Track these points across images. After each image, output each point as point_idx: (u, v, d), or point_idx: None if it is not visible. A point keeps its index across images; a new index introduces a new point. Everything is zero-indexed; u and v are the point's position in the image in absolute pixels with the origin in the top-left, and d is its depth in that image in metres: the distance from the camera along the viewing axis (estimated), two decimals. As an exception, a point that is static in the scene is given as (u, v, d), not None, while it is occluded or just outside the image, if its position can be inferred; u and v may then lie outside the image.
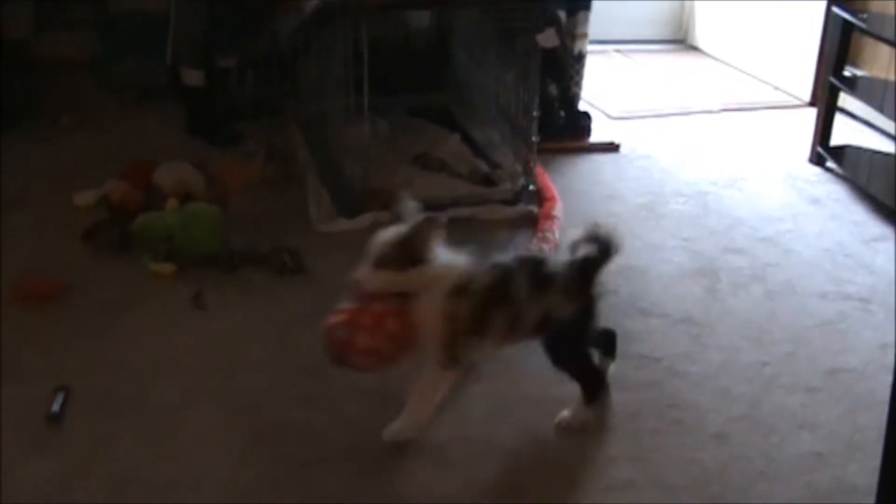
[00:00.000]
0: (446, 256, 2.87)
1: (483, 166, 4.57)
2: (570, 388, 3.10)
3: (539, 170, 4.45)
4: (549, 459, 2.97)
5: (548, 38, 4.67)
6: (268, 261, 3.79)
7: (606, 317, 3.08)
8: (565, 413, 3.07)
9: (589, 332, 3.04)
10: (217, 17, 4.80)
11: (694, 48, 7.16)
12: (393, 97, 4.76)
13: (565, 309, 2.92)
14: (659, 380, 3.35)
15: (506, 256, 2.97)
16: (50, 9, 5.77)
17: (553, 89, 5.16)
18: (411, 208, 2.93)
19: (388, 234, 2.88)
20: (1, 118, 4.93)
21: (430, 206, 4.11)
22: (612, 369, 3.22)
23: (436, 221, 2.84)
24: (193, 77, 4.86)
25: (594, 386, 3.09)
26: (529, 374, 3.29)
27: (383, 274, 2.82)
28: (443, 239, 2.89)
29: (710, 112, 5.86)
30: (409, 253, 2.82)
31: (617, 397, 3.19)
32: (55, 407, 3.05)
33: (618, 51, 6.91)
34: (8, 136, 4.89)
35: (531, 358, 3.24)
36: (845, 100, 5.36)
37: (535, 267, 2.94)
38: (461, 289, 2.82)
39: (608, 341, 3.23)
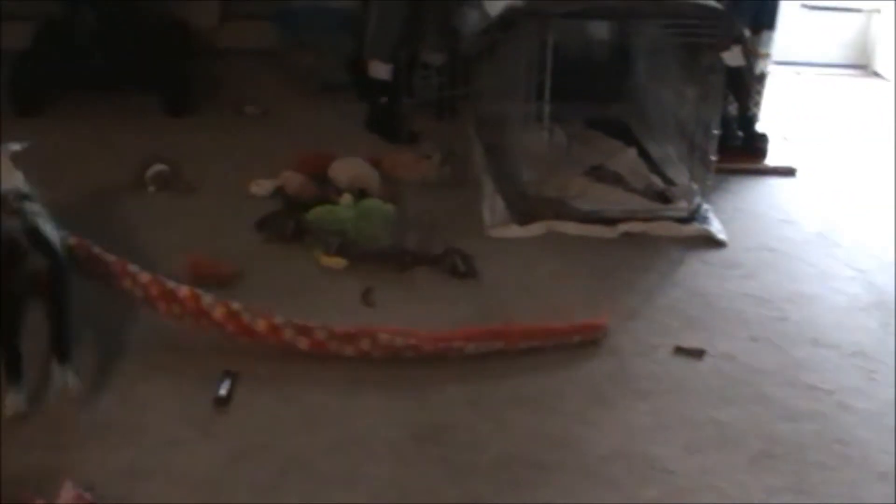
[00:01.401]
0: None
1: (658, 182, 4.51)
2: (736, 412, 3.04)
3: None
4: (710, 484, 2.90)
5: (733, 57, 4.59)
6: (440, 262, 3.79)
7: (778, 344, 3.02)
8: None
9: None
10: (415, 13, 4.83)
11: (876, 74, 6.99)
12: (570, 106, 4.72)
13: None
14: (827, 412, 3.25)
15: None
16: (234, 1, 5.88)
17: (732, 108, 5.07)
18: None
19: None
20: (187, 103, 5.04)
21: (604, 218, 4.15)
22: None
23: None
24: (382, 71, 4.89)
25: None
26: (693, 394, 3.25)
27: None
28: None
29: (890, 140, 5.71)
30: None
31: (784, 426, 3.12)
32: (222, 390, 3.09)
33: (798, 73, 6.77)
34: (191, 121, 5.00)
35: (695, 377, 3.20)
36: None
37: None
38: None
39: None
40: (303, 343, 3.23)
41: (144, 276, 3.27)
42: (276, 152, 4.63)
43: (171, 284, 3.26)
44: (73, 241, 3.24)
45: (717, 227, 4.28)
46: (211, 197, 4.32)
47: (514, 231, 4.11)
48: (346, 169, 4.28)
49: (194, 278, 3.59)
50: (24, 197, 3.07)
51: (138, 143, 4.74)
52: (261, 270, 3.77)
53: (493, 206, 4.18)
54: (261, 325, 3.21)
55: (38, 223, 2.95)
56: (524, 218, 4.13)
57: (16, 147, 3.30)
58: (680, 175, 4.55)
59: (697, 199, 4.33)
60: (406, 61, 4.67)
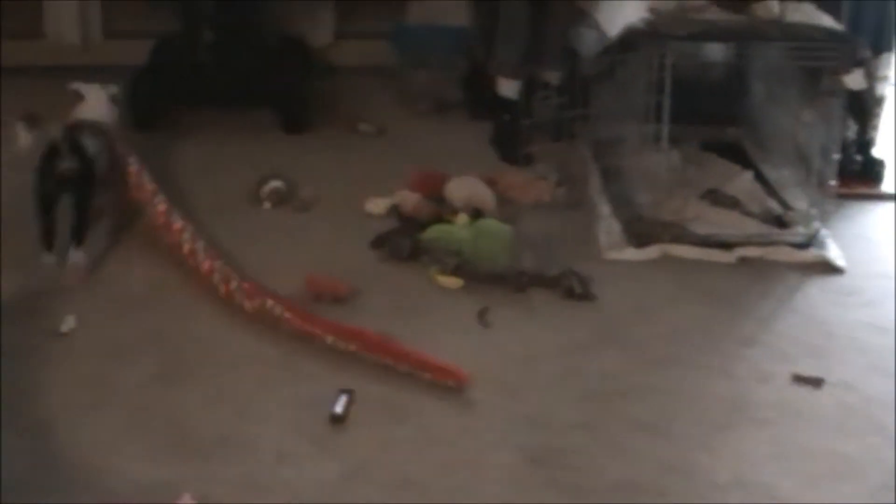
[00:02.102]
0: None
1: (775, 207, 4.46)
2: (856, 443, 3.00)
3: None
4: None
5: (855, 80, 4.51)
6: (556, 283, 3.77)
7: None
8: None
9: None
10: (542, 29, 4.84)
11: None
12: (685, 128, 4.68)
13: None
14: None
15: None
16: (349, 17, 5.92)
17: (851, 132, 4.99)
18: None
19: None
20: (303, 121, 5.08)
21: (720, 242, 4.11)
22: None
23: None
24: (510, 88, 4.89)
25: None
26: (812, 423, 3.20)
27: None
28: None
29: None
30: None
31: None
32: (338, 408, 3.11)
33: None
34: (306, 138, 5.05)
35: (813, 406, 3.16)
36: None
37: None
38: None
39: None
40: (221, 288, 3.66)
41: (161, 206, 3.93)
42: (391, 170, 4.65)
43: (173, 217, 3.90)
44: (132, 167, 4.01)
45: (835, 253, 4.21)
46: (326, 214, 4.35)
47: (630, 254, 4.08)
48: (462, 188, 4.28)
49: (311, 296, 3.64)
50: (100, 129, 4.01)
51: (254, 159, 4.79)
52: (377, 289, 3.79)
53: (608, 229, 4.16)
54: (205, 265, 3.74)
55: (82, 139, 3.81)
56: (640, 241, 4.10)
57: (114, 89, 4.34)
58: (797, 200, 4.48)
59: (815, 225, 4.27)
60: (528, 81, 4.66)
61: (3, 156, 4.44)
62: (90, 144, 3.85)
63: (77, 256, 3.81)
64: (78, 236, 3.81)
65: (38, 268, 3.77)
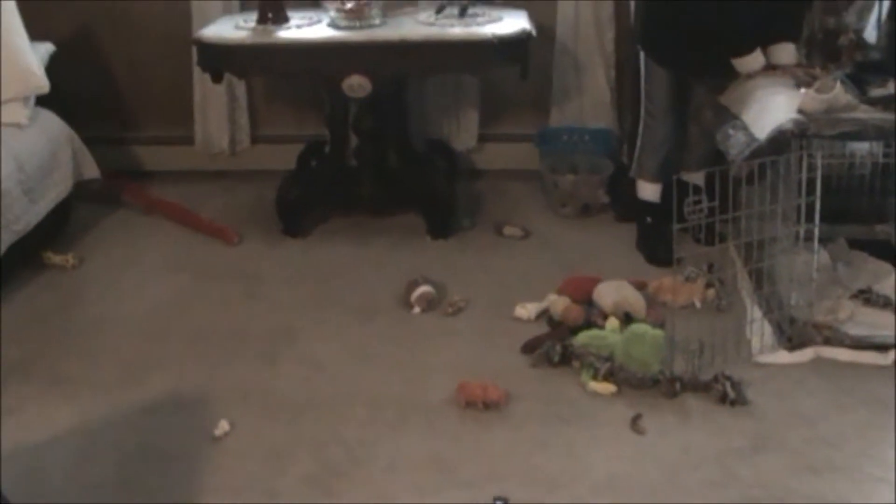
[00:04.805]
0: None
1: (932, 307, 4.37)
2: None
3: None
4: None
5: None
6: (709, 388, 3.74)
7: None
8: None
9: None
10: (685, 133, 4.86)
11: None
12: (834, 226, 4.63)
13: None
14: None
15: None
16: (493, 121, 5.99)
17: None
18: None
19: None
20: (450, 225, 5.15)
21: (875, 344, 4.04)
22: None
23: None
24: (650, 191, 4.91)
25: None
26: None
27: None
28: None
29: None
30: None
31: None
32: (493, 516, 3.12)
33: None
34: (452, 241, 5.11)
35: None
36: None
37: None
38: None
39: None
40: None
41: None
42: (538, 274, 4.68)
43: None
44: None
45: None
46: (476, 319, 4.38)
47: (783, 357, 4.02)
48: (612, 292, 4.29)
49: (464, 402, 3.67)
50: None
51: (402, 262, 4.87)
52: (528, 395, 3.80)
53: (760, 331, 4.11)
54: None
55: None
56: (793, 343, 4.05)
57: None
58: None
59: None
60: (671, 182, 4.66)
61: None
62: None
63: None
64: None
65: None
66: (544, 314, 4.32)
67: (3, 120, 4.88)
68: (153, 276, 4.85)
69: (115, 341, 4.27)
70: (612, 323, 4.08)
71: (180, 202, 5.56)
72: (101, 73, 5.98)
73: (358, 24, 4.94)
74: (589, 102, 5.81)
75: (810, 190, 4.02)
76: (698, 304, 4.35)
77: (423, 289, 4.44)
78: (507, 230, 5.17)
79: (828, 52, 4.63)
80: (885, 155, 4.93)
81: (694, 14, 4.39)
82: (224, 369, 4.03)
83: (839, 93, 4.02)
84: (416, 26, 5.01)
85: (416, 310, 4.42)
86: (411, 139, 5.62)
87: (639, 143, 4.92)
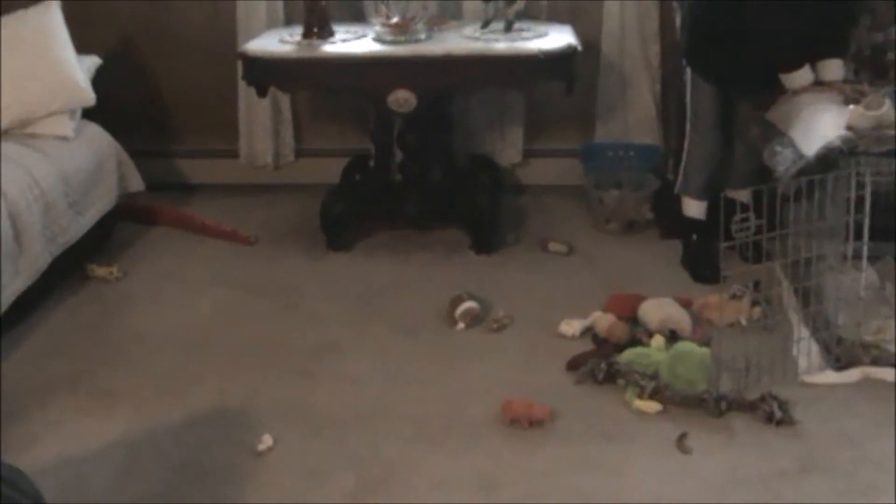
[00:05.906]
0: None
1: (982, 327, 4.32)
2: None
3: None
4: None
5: None
6: (756, 408, 3.69)
7: None
8: None
9: None
10: (731, 150, 4.84)
11: None
12: (882, 244, 4.58)
13: None
14: None
15: None
16: (538, 136, 5.97)
17: None
18: None
19: None
20: (494, 241, 5.14)
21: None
22: None
23: None
24: (695, 208, 4.88)
25: None
26: None
27: None
28: None
29: None
30: None
31: None
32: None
33: None
34: (497, 257, 5.09)
35: None
36: None
37: None
38: None
39: None
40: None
41: None
42: (582, 291, 4.66)
43: None
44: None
45: None
46: (520, 335, 4.35)
47: (830, 377, 3.97)
48: (657, 310, 4.25)
49: (508, 419, 3.65)
50: None
51: (445, 278, 4.85)
52: (573, 412, 3.77)
53: (806, 351, 4.06)
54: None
55: None
56: (840, 363, 4.00)
57: None
58: None
59: None
60: (717, 199, 4.63)
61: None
62: None
63: None
64: None
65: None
66: (589, 331, 4.29)
67: (50, 132, 4.92)
68: (196, 290, 4.85)
69: (158, 354, 4.28)
70: (658, 341, 4.05)
71: (186, 210, 5.70)
72: (146, 87, 6.02)
73: (403, 38, 4.94)
74: (634, 118, 5.78)
75: (858, 207, 3.98)
76: (744, 323, 4.30)
77: (468, 304, 4.42)
78: (552, 246, 5.14)
79: (876, 68, 4.60)
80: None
81: (741, 29, 4.36)
82: (266, 384, 4.03)
83: (888, 109, 3.98)
84: (462, 41, 5.01)
85: (461, 326, 4.40)
86: (456, 154, 5.62)
87: (684, 159, 4.89)
